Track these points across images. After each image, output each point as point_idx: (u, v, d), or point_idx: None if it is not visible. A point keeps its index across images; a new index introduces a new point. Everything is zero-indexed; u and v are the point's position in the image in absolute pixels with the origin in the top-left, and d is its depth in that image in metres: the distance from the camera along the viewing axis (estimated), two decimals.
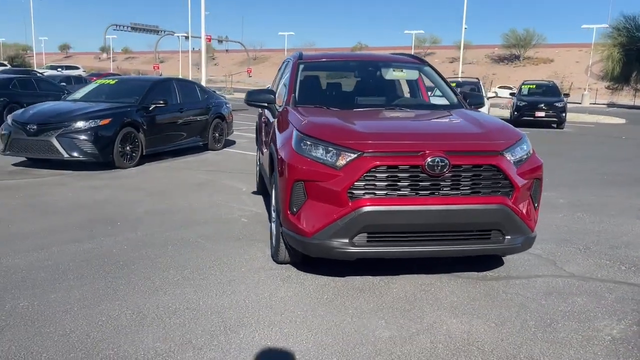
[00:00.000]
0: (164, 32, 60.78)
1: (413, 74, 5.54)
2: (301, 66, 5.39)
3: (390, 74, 5.62)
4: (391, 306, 3.59)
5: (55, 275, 4.00)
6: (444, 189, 3.60)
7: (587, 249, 4.96)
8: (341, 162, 3.58)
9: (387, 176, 3.55)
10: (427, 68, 5.53)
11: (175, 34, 58.60)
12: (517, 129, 4.24)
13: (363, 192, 3.54)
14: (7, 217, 5.64)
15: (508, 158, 3.76)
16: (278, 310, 3.48)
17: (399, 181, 3.56)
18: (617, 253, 4.87)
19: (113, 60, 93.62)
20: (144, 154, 9.19)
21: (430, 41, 78.15)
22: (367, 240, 3.62)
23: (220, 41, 76.74)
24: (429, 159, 3.51)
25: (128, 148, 8.84)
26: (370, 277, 4.09)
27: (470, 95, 5.36)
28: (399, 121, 4.54)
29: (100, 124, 8.43)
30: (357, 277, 4.08)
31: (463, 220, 3.65)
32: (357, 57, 6.15)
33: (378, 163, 3.53)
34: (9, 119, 8.81)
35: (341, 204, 3.54)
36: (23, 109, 9.36)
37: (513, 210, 3.72)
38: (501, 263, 4.49)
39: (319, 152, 3.67)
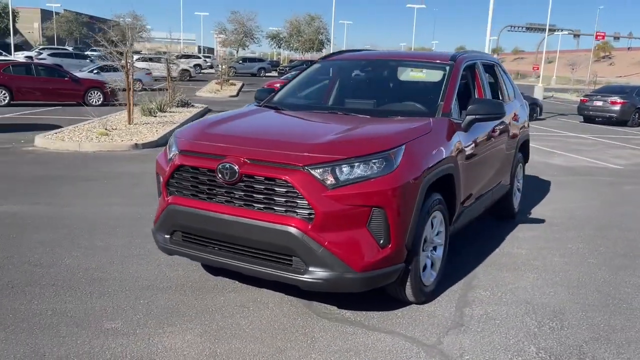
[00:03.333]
0: (560, 30, 58.46)
1: (436, 75, 4.62)
2: (317, 65, 5.25)
3: (407, 75, 4.84)
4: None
5: None
6: (239, 199, 3.28)
7: None
8: (169, 158, 3.67)
9: (191, 177, 3.47)
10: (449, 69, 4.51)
11: (556, 32, 55.51)
12: (397, 141, 3.34)
13: (175, 189, 3.57)
14: None
15: (314, 175, 3.09)
16: None
17: (200, 184, 3.43)
18: None
19: (502, 62, 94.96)
20: None
21: None
22: (183, 240, 3.61)
23: (616, 38, 68.86)
24: (219, 165, 3.27)
25: None
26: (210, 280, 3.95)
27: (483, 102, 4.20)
28: (288, 126, 4.07)
29: None
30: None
31: (254, 237, 3.24)
32: (372, 57, 5.37)
33: (183, 162, 3.49)
34: None
35: (163, 199, 3.66)
36: None
37: (312, 237, 3.07)
38: (388, 307, 3.59)
39: (170, 148, 3.82)
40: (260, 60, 47.19)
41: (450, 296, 3.85)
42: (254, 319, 3.39)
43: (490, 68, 5.66)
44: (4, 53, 36.13)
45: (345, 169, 3.14)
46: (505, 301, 3.81)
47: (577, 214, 6.40)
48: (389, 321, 3.43)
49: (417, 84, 4.84)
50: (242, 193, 3.26)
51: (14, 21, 51.81)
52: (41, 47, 45.73)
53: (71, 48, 46.16)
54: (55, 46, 46.97)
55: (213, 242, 3.45)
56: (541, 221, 6.00)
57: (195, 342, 3.08)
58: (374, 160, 3.19)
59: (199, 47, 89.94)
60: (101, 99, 17.89)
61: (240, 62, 44.31)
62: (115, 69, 15.23)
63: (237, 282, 3.92)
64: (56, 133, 10.57)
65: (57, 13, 67.42)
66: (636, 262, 4.78)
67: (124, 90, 12.83)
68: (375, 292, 3.52)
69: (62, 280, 3.87)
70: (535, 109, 20.44)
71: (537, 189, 7.74)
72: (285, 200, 3.14)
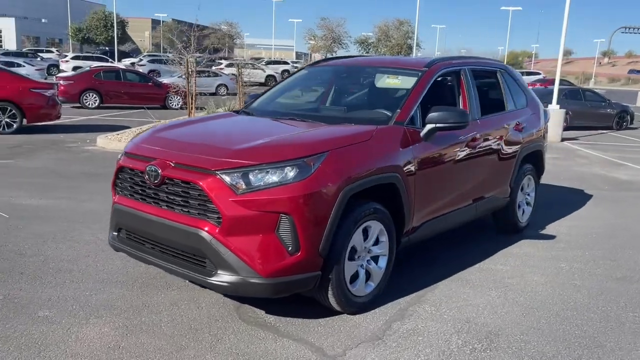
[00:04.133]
0: None
1: (408, 82, 4.48)
2: (304, 70, 5.30)
3: (384, 82, 4.74)
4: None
5: None
6: (163, 201, 3.43)
7: None
8: (118, 159, 3.91)
9: (129, 177, 3.68)
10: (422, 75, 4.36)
11: None
12: (317, 148, 3.34)
13: (119, 189, 3.80)
14: None
15: (224, 179, 3.17)
16: None
17: (135, 185, 3.63)
18: None
19: (613, 65, 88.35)
20: None
21: None
22: (127, 237, 3.82)
23: None
24: (147, 167, 3.45)
25: None
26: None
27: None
28: (228, 131, 4.11)
29: None
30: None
31: (173, 238, 3.38)
32: (352, 63, 5.22)
33: (123, 164, 3.71)
34: None
35: (112, 197, 3.90)
36: None
37: (219, 241, 3.15)
38: (317, 316, 3.57)
39: None
40: None
41: (390, 308, 3.74)
42: (177, 317, 3.51)
43: (490, 75, 5.41)
44: (110, 60, 39.33)
45: (257, 174, 3.18)
46: (444, 318, 3.64)
47: (597, 232, 5.91)
48: (307, 329, 3.41)
49: (388, 91, 4.73)
50: (165, 195, 3.41)
51: (124, 30, 56.23)
52: (145, 54, 49.22)
53: (170, 55, 49.28)
54: (155, 53, 50.28)
55: (146, 241, 3.63)
56: (550, 237, 5.62)
57: (107, 334, 3.26)
58: (287, 167, 3.20)
59: (295, 52, 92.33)
60: (180, 103, 18.97)
61: None
62: (202, 74, 16.10)
63: (187, 281, 4.06)
64: (117, 134, 11.40)
65: (164, 22, 72.36)
66: (628, 287, 4.35)
67: (202, 94, 13.54)
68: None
69: (32, 269, 4.23)
70: (624, 117, 18.95)
71: (569, 203, 7.22)
72: (198, 204, 3.24)
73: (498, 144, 5.02)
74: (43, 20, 66.98)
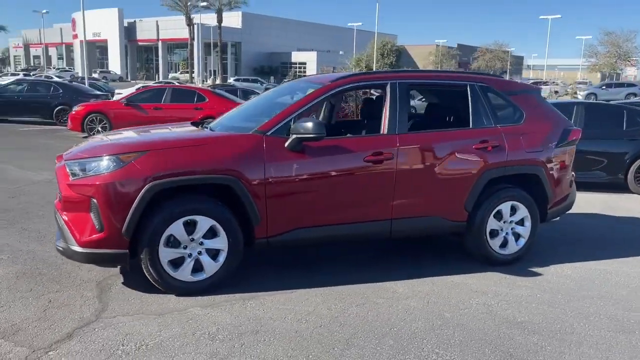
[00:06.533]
0: None
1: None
2: (280, 85, 5.81)
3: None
4: None
5: None
6: None
7: None
8: None
9: None
10: None
11: None
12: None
13: None
14: None
15: (66, 167, 4.13)
16: None
17: None
18: None
19: None
20: None
21: None
22: None
23: None
24: None
25: None
26: None
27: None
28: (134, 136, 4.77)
29: None
30: None
31: None
32: (304, 79, 5.14)
33: None
34: None
35: None
36: None
37: (59, 214, 4.15)
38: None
39: None
40: (630, 85, 41.06)
41: (214, 299, 4.10)
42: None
43: (449, 89, 5.12)
44: None
45: (84, 165, 4.04)
46: (234, 315, 3.84)
47: (603, 279, 4.77)
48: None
49: (286, 104, 4.89)
50: None
51: (399, 57, 60.08)
52: None
53: None
54: None
55: None
56: (533, 274, 4.83)
57: None
58: (101, 161, 3.99)
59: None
60: None
61: (604, 87, 39.94)
62: None
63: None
64: None
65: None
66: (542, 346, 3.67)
67: None
68: None
69: None
70: None
71: (605, 240, 5.78)
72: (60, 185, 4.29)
73: (433, 161, 4.67)
74: (340, 52, 76.09)
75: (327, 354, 3.33)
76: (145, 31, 75.00)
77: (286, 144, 4.23)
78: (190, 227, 4.09)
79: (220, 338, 3.48)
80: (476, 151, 4.80)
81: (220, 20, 56.10)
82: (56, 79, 28.00)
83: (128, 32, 75.65)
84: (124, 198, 3.91)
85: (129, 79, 68.43)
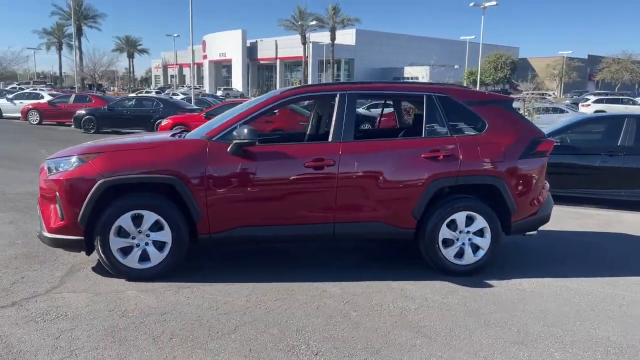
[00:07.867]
0: None
1: None
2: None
3: None
4: None
5: None
6: None
7: None
8: None
9: None
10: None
11: None
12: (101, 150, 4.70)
13: None
14: None
15: (45, 165, 4.87)
16: None
17: None
18: None
19: None
20: None
21: None
22: None
23: None
24: None
25: None
26: None
27: None
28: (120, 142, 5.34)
29: None
30: None
31: None
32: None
33: None
34: None
35: None
36: None
37: (39, 205, 4.90)
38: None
39: None
40: None
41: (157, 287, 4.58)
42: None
43: (401, 100, 5.17)
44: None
45: (58, 163, 4.75)
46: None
47: (556, 295, 4.54)
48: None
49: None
50: None
51: (513, 70, 57.46)
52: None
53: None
54: None
55: None
56: (482, 285, 4.74)
57: None
58: (66, 161, 4.68)
59: None
60: None
61: None
62: None
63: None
64: None
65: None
66: None
67: None
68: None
69: None
70: None
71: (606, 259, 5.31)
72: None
73: (377, 169, 4.79)
74: (456, 67, 74.59)
75: (208, 337, 3.65)
76: (265, 50, 79.14)
77: (228, 149, 4.63)
78: (138, 220, 4.63)
79: (129, 315, 3.95)
80: (425, 160, 4.82)
81: (333, 38, 57.89)
82: (160, 95, 31.03)
83: (250, 52, 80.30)
84: (79, 192, 4.54)
85: (249, 96, 72.76)
